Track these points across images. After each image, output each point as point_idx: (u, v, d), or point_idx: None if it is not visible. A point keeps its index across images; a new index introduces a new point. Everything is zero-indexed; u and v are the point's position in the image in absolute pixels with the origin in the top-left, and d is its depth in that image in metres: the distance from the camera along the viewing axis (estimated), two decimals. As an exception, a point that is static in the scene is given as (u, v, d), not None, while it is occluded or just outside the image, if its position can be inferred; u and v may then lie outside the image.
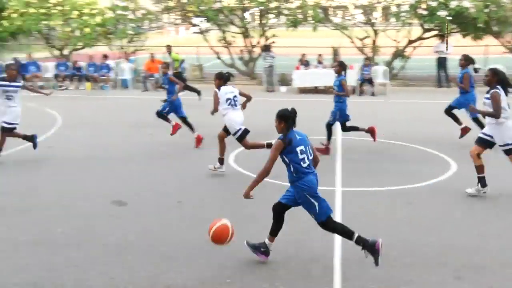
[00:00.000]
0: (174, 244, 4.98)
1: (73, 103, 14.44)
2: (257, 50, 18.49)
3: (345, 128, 8.60)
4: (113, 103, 14.56)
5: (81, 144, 9.35)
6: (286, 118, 4.44)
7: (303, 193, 4.44)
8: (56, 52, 19.94)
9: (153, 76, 16.84)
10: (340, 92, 8.39)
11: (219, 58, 18.79)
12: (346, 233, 4.49)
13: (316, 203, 4.45)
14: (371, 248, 4.33)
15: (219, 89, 7.40)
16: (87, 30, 18.57)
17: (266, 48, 16.96)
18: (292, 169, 4.44)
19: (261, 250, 4.62)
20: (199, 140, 8.94)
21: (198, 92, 13.55)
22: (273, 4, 18.27)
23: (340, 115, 8.45)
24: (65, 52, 19.84)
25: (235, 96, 7.37)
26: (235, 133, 7.25)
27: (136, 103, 14.37)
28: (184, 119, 9.24)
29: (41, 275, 4.33)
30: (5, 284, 4.19)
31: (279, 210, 4.63)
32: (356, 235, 4.40)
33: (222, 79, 7.45)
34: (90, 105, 14.33)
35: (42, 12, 18.58)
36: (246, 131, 7.28)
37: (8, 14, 18.86)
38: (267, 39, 18.26)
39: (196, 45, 20.03)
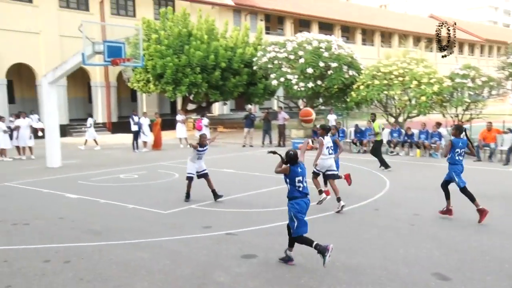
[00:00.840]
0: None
1: (401, 168, 15.14)
2: None
3: None
4: (441, 171, 14.50)
5: (405, 207, 9.77)
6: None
7: (291, 211, 6.40)
8: (391, 119, 21.44)
9: (488, 146, 15.99)
10: None
11: None
12: (309, 242, 6.27)
13: (296, 222, 6.31)
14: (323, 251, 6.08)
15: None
16: (423, 98, 19.28)
17: None
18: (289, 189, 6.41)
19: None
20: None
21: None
22: None
23: None
24: (400, 119, 21.13)
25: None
26: None
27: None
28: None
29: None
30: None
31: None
32: (315, 243, 6.21)
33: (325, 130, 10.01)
34: (418, 171, 14.74)
35: (385, 83, 20.42)
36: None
37: (356, 87, 21.59)
38: None
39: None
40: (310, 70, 22.79)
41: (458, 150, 8.66)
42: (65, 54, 22.91)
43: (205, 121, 22.38)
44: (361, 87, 21.27)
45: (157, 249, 7.26)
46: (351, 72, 23.23)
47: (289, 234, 6.53)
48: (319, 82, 23.36)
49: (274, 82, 24.04)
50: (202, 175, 10.51)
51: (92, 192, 11.48)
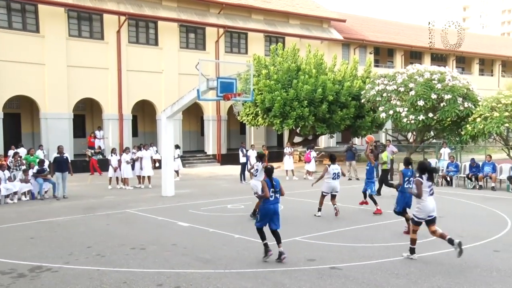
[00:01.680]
0: None
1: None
2: None
3: None
4: None
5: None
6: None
7: (260, 210, 8.60)
8: (514, 154, 19.75)
9: None
10: None
11: None
12: (262, 238, 8.46)
13: (258, 217, 8.57)
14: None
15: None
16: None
17: None
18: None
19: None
20: None
21: None
22: None
23: None
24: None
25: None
26: None
27: None
28: None
29: None
30: None
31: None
32: (264, 241, 8.42)
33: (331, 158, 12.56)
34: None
35: (506, 115, 18.99)
36: None
37: (472, 119, 20.32)
38: None
39: None
40: (421, 103, 21.99)
41: None
42: (182, 90, 24.59)
43: (313, 153, 22.51)
44: (478, 119, 19.98)
45: (261, 280, 7.35)
46: (466, 104, 21.99)
47: (273, 234, 8.45)
48: (430, 115, 22.41)
49: (383, 115, 23.53)
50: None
51: (202, 221, 12.00)
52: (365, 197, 13.88)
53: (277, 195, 8.51)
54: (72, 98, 25.70)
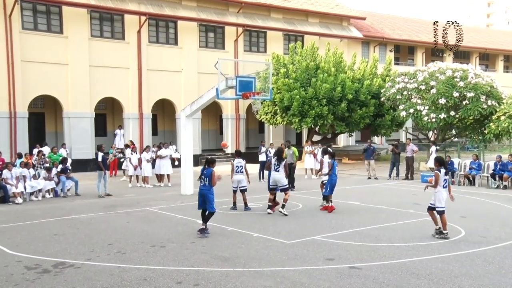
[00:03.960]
0: None
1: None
2: None
3: None
4: None
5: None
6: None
7: None
8: (539, 153, 19.28)
9: None
10: None
11: None
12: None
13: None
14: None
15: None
16: None
17: None
18: None
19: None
20: None
21: None
22: None
23: None
24: (550, 153, 18.92)
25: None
26: None
27: None
28: None
29: None
30: None
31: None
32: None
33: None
34: None
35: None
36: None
37: (496, 117, 19.94)
38: None
39: None
40: (442, 101, 21.69)
41: None
42: (201, 89, 24.71)
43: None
44: (502, 117, 19.60)
45: (280, 279, 7.34)
46: (490, 102, 21.59)
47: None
48: (452, 113, 22.06)
49: (403, 113, 23.27)
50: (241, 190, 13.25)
51: (220, 219, 12.05)
52: None
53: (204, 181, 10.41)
54: (94, 97, 26.06)
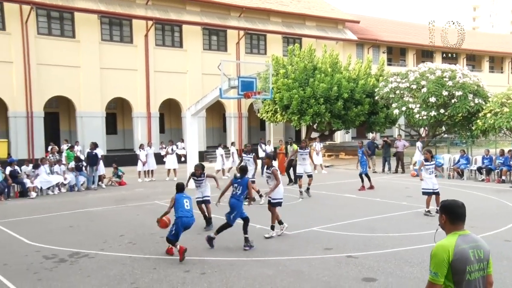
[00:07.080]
0: None
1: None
2: None
3: None
4: None
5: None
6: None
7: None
8: (524, 148, 19.28)
9: None
10: None
11: None
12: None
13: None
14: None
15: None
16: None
17: None
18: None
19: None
20: None
21: None
22: None
23: None
24: (534, 147, 18.89)
25: None
26: None
27: None
28: None
29: None
30: None
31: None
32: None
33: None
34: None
35: (515, 110, 18.56)
36: None
37: (483, 115, 19.92)
38: None
39: None
40: (433, 99, 21.67)
41: None
42: (206, 89, 24.67)
43: (319, 146, 22.41)
44: (488, 114, 19.58)
45: (281, 267, 7.36)
46: (477, 100, 21.56)
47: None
48: (442, 111, 22.04)
49: (396, 111, 23.25)
50: (203, 202, 10.73)
51: (225, 212, 12.02)
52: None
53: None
54: (105, 97, 26.05)
